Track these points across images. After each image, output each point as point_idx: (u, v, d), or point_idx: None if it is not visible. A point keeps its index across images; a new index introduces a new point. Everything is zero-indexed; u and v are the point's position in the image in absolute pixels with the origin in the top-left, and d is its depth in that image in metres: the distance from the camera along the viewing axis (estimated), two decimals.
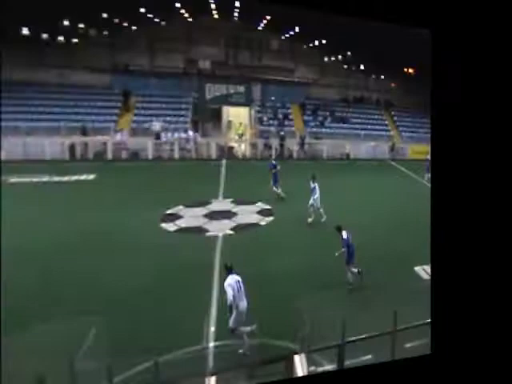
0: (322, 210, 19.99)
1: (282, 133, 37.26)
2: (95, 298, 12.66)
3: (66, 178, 25.80)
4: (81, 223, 18.54)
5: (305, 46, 48.11)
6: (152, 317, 11.96)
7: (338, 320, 8.63)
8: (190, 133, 34.37)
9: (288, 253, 16.46)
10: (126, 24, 40.30)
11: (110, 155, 31.47)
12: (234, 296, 10.47)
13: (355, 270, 14.13)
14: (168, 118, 34.86)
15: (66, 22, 38.38)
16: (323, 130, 40.03)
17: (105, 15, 37.97)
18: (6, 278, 10.76)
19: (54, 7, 32.34)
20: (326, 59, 49.85)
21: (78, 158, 30.90)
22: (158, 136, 33.22)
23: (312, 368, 8.95)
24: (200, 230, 18.69)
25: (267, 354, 9.99)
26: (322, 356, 9.55)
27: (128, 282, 13.79)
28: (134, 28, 40.73)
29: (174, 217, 20.14)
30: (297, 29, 43.67)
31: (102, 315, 10.78)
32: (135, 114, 35.09)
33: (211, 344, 10.88)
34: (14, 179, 24.51)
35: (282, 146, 36.61)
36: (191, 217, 20.30)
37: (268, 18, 41.25)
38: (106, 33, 39.51)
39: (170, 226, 18.99)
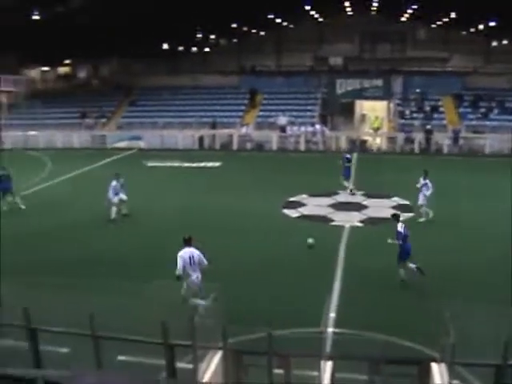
0: (425, 209, 19.45)
1: (429, 126, 36.26)
2: (220, 267, 13.63)
3: (194, 164, 30.74)
4: (205, 202, 21.64)
5: (464, 32, 46.49)
6: (272, 292, 13.16)
7: (498, 333, 7.58)
8: (317, 126, 36.97)
9: (425, 251, 15.24)
10: (254, 30, 44.47)
11: (235, 146, 35.47)
12: (184, 267, 11.84)
13: (412, 266, 13.66)
14: (294, 113, 37.71)
15: (198, 35, 43.90)
16: (487, 122, 37.13)
17: (234, 25, 42.72)
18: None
19: (190, 22, 37.44)
20: (493, 44, 47.44)
21: (206, 148, 36.18)
22: (283, 129, 36.20)
23: (456, 382, 8.27)
24: (325, 220, 19.74)
25: (394, 352, 9.81)
26: (471, 372, 9.02)
27: (251, 259, 15.38)
28: (261, 33, 44.75)
29: (297, 204, 21.71)
30: (452, 14, 43.79)
31: (225, 283, 11.74)
32: (261, 110, 39.90)
33: (330, 329, 11.15)
34: (151, 163, 30.79)
35: (428, 140, 35.80)
36: (316, 205, 21.64)
37: (414, 7, 41.78)
38: (235, 40, 44.11)
39: (293, 213, 20.56)
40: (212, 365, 9.32)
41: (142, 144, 36.72)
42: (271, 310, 12.12)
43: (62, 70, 49.68)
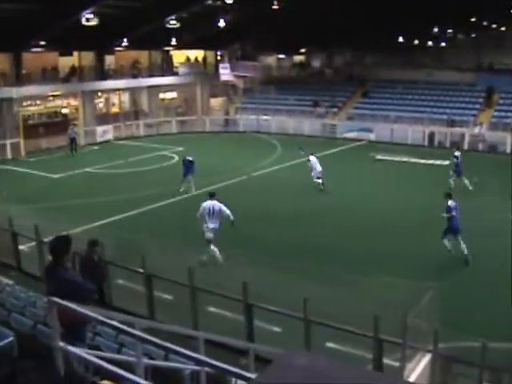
0: None
1: None
2: (429, 267, 15.33)
3: (422, 161, 32.63)
4: (428, 202, 21.97)
5: None
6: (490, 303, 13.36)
7: None
8: None
9: None
10: (494, 26, 46.44)
11: (466, 146, 36.84)
12: (204, 214, 16.05)
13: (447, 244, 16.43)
14: None
15: (435, 29, 47.16)
16: None
17: (473, 19, 45.14)
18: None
19: (426, 15, 41.04)
20: None
21: (436, 146, 37.80)
22: None
23: None
24: None
25: None
26: None
27: (484, 263, 15.93)
28: (502, 29, 46.48)
29: None
30: None
31: (440, 283, 12.59)
32: (496, 110, 40.23)
33: None
34: (380, 156, 33.11)
35: None
36: None
37: None
38: (473, 35, 46.70)
39: None
40: (419, 366, 9.88)
41: (371, 136, 39.23)
42: (485, 317, 12.36)
43: (297, 58, 54.55)
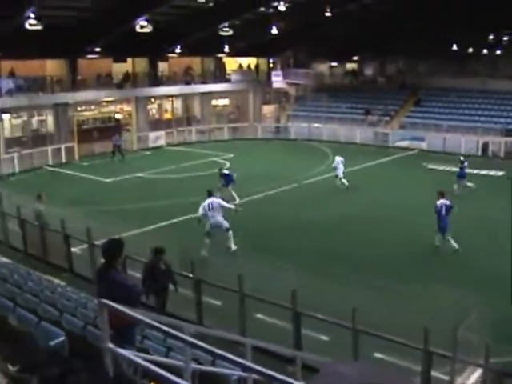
0: None
1: None
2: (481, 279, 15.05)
3: (475, 171, 30.95)
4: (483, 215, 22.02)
5: None
6: None
7: None
8: None
9: None
10: None
11: None
12: (205, 212, 17.98)
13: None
14: None
15: (490, 37, 46.28)
16: None
17: None
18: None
19: (481, 23, 40.38)
20: None
21: (490, 155, 36.98)
22: None
23: None
24: None
25: None
26: None
27: None
28: None
29: None
30: None
31: (491, 295, 12.69)
32: None
33: None
34: (431, 166, 32.82)
35: None
36: None
37: None
38: None
39: None
40: (469, 381, 9.73)
41: (423, 145, 38.78)
42: None
43: (350, 65, 54.10)
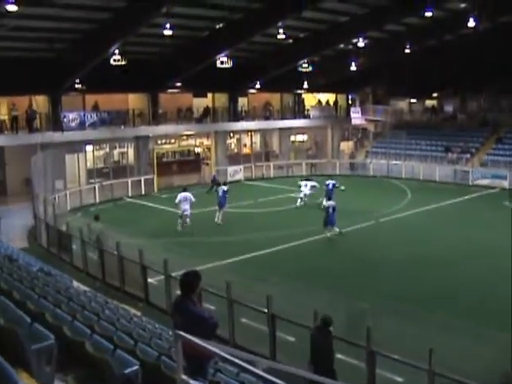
0: None
1: None
2: None
3: None
4: None
5: None
6: None
7: None
8: None
9: None
10: None
11: None
12: (180, 201, 25.86)
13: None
14: None
15: None
16: None
17: None
18: None
19: None
20: None
21: None
22: None
23: None
24: None
25: None
26: None
27: None
28: None
29: None
30: None
31: None
32: None
33: None
34: None
35: None
36: None
37: None
38: None
39: None
40: None
41: (505, 183, 37.79)
42: None
43: (429, 102, 54.63)
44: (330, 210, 24.43)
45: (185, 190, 26.84)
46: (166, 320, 11.15)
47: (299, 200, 31.65)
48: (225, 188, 28.42)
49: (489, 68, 42.51)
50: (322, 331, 10.43)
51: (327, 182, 30.95)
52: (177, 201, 26.12)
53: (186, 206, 25.70)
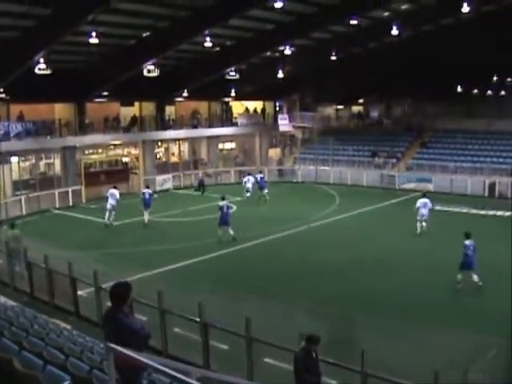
0: None
1: None
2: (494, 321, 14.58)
3: (482, 212, 31.92)
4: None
5: None
6: None
7: None
8: None
9: None
10: None
11: None
12: (108, 196, 29.21)
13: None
14: None
15: (494, 78, 46.80)
16: None
17: None
18: None
19: (486, 64, 40.90)
20: None
21: (497, 196, 37.02)
22: None
23: None
24: None
25: None
26: None
27: None
28: None
29: None
30: None
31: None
32: None
33: None
34: (438, 207, 31.04)
35: None
36: None
37: None
38: None
39: None
40: None
41: (430, 187, 38.60)
42: None
43: (356, 108, 55.46)
44: (225, 209, 25.35)
45: (115, 187, 30.20)
46: (98, 333, 10.95)
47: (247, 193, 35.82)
48: (150, 191, 30.19)
49: (413, 75, 43.78)
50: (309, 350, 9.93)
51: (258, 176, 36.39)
52: (107, 194, 29.54)
53: (112, 201, 28.94)
